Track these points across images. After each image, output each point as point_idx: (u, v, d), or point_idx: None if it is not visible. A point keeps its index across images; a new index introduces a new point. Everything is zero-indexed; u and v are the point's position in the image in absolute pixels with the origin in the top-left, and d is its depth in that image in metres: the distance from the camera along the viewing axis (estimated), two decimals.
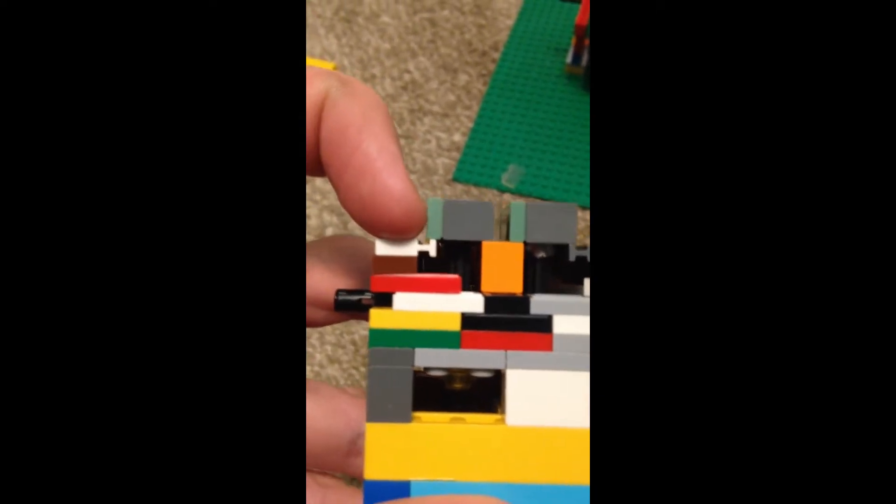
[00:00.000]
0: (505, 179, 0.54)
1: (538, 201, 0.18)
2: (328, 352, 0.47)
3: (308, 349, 0.48)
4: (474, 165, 0.55)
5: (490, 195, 0.54)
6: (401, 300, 0.18)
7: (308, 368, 0.47)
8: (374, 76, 0.62)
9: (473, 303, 0.18)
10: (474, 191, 0.53)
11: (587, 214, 0.51)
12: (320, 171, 0.19)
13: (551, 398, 0.17)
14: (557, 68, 0.63)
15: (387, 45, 0.64)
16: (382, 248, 0.18)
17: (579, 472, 0.17)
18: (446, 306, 0.18)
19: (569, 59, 0.62)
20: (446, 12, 0.68)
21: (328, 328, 0.49)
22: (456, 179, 0.54)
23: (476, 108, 0.60)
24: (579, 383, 0.17)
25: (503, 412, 0.18)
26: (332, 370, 0.46)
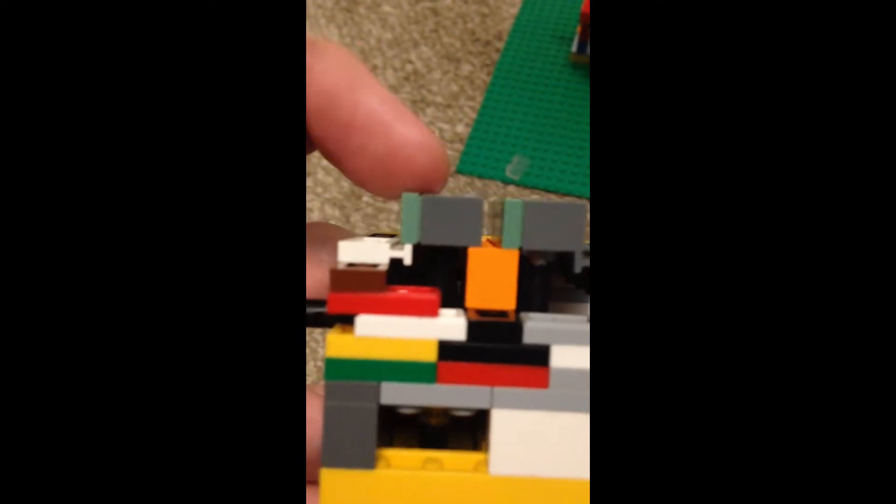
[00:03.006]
0: (509, 171, 0.53)
1: (540, 198, 0.15)
2: None
3: (312, 344, 0.47)
4: (478, 157, 0.54)
5: (494, 187, 0.53)
6: (364, 324, 0.14)
7: (311, 364, 0.47)
8: (375, 67, 0.61)
9: (454, 328, 0.14)
10: (478, 183, 0.52)
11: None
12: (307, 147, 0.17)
13: (544, 444, 0.15)
14: (563, 57, 0.62)
15: (388, 35, 0.64)
16: (346, 254, 0.15)
17: None
18: (420, 332, 0.14)
19: (574, 47, 0.61)
20: (449, 1, 0.67)
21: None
22: (459, 171, 0.53)
23: (479, 98, 0.59)
24: (578, 427, 0.14)
25: (487, 451, 0.15)
26: None
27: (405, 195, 0.15)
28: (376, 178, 0.16)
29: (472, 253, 0.15)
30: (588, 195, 0.51)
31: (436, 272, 0.16)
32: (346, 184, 0.53)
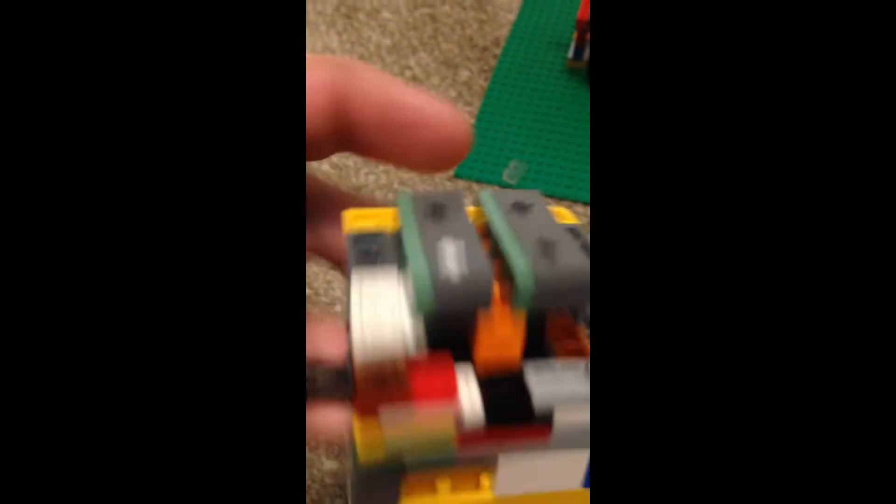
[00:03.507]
0: (506, 176, 0.54)
1: (547, 266, 0.15)
2: None
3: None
4: (476, 162, 0.55)
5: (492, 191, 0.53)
6: (389, 419, 0.15)
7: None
8: None
9: (471, 410, 0.15)
10: (475, 187, 0.53)
11: (588, 210, 0.51)
12: (331, 150, 0.20)
13: (546, 474, 0.16)
14: (559, 63, 0.62)
15: (387, 41, 0.64)
16: (361, 355, 0.16)
17: None
18: (440, 415, 0.15)
19: (570, 53, 0.61)
20: (447, 7, 0.67)
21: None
22: (457, 176, 0.54)
23: (477, 104, 0.59)
24: (577, 460, 0.16)
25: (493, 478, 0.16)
26: None
27: (404, 230, 0.16)
28: (428, 160, 0.19)
29: (482, 316, 0.15)
30: (582, 199, 0.52)
31: (450, 337, 0.16)
32: (346, 186, 0.53)
